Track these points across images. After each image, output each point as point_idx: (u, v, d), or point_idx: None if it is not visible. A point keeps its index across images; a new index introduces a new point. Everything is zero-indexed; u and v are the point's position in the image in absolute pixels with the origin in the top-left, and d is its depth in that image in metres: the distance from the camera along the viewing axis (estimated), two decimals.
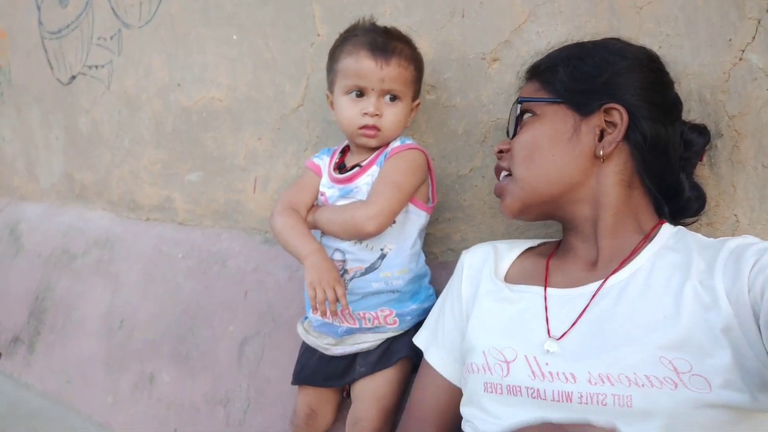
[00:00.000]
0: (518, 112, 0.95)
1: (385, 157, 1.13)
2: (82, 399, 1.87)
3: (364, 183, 1.12)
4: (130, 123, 2.02)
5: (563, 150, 0.88)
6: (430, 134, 1.32)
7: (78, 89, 2.22)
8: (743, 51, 0.95)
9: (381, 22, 1.32)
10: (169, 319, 1.72)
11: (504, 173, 0.98)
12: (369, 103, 1.09)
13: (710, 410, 0.68)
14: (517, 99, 0.96)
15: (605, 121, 0.87)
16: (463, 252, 1.04)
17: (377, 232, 1.07)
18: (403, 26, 1.31)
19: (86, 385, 1.87)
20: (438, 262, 1.31)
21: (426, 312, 1.15)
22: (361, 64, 1.08)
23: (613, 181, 0.88)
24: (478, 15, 1.22)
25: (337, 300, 1.02)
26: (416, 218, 1.14)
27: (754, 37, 0.94)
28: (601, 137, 0.87)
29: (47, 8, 2.32)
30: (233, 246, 1.71)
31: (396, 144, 1.14)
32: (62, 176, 2.38)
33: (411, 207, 1.13)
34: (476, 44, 1.23)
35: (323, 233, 1.17)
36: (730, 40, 0.96)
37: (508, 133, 1.01)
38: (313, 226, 1.15)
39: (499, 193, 0.98)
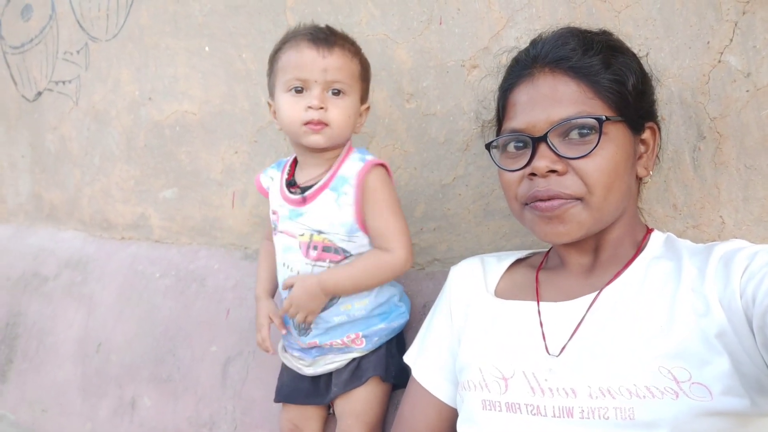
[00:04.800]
0: (598, 129, 0.78)
1: (344, 180, 1.05)
2: (58, 428, 1.79)
3: (315, 210, 1.07)
4: (99, 139, 1.96)
5: (630, 175, 0.83)
6: (411, 143, 1.30)
7: (44, 105, 2.15)
8: (722, 53, 0.96)
9: (357, 30, 1.30)
10: (148, 340, 1.67)
11: (563, 198, 0.80)
12: (312, 96, 1.02)
13: (712, 418, 0.68)
14: (602, 117, 0.78)
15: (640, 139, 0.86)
16: (452, 268, 1.02)
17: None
18: (379, 34, 1.29)
19: (63, 414, 1.80)
20: (424, 273, 1.29)
21: (395, 331, 1.15)
22: (302, 55, 1.02)
23: (636, 199, 0.88)
24: (456, 22, 1.20)
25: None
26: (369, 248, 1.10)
27: (731, 39, 0.95)
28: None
29: (8, 22, 2.24)
30: (212, 263, 1.67)
31: (356, 161, 1.07)
32: (30, 196, 2.30)
33: (366, 240, 1.08)
34: (455, 51, 1.21)
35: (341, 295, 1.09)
36: (708, 42, 0.97)
37: (549, 146, 0.80)
38: (332, 292, 1.07)
39: (559, 216, 0.80)
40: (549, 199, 0.80)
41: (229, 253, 1.65)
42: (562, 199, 0.79)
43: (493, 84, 1.16)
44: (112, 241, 1.98)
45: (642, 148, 0.86)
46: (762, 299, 0.67)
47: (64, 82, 2.06)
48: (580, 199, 0.79)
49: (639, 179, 0.88)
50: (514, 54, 0.93)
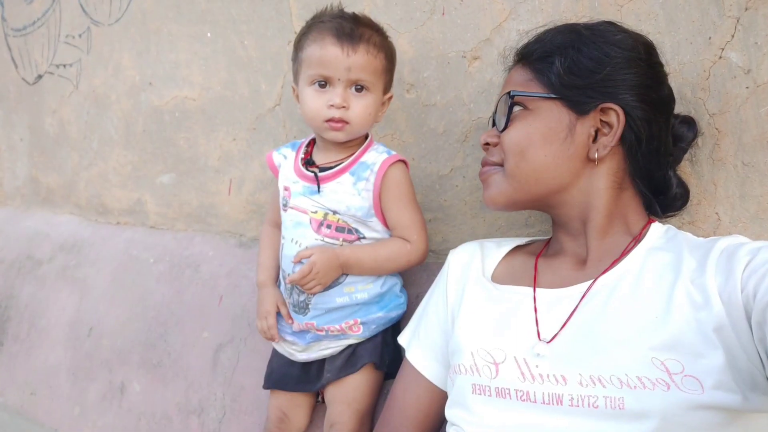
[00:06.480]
0: (509, 103, 0.88)
1: (366, 166, 1.07)
2: (47, 411, 1.78)
3: (332, 191, 1.07)
4: (98, 123, 1.96)
5: (557, 150, 0.84)
6: (410, 133, 1.30)
7: (44, 89, 2.14)
8: (723, 49, 0.96)
9: None
10: (140, 325, 1.66)
11: (489, 165, 0.93)
12: (335, 95, 1.02)
13: (702, 411, 0.67)
14: (509, 92, 0.88)
15: (600, 121, 0.84)
16: (450, 252, 1.02)
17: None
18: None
19: (52, 397, 1.79)
20: None
21: (392, 321, 1.15)
22: (327, 52, 1.01)
23: (604, 184, 0.86)
24: (458, 13, 1.20)
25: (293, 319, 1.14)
26: (383, 236, 1.11)
27: (733, 35, 0.95)
28: (595, 138, 0.84)
29: (11, 4, 2.23)
30: (206, 250, 1.66)
31: (381, 153, 1.09)
32: (27, 179, 2.29)
33: (380, 226, 1.10)
34: (456, 42, 1.21)
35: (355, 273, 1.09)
36: (710, 38, 0.96)
37: (494, 123, 0.94)
38: (349, 268, 1.08)
39: (485, 180, 0.93)
40: (483, 165, 0.94)
41: (224, 240, 1.64)
42: (489, 165, 0.92)
43: (493, 75, 1.17)
44: (108, 225, 1.97)
45: (606, 129, 0.84)
46: (763, 295, 0.66)
47: (65, 66, 2.06)
48: (501, 165, 0.89)
49: (596, 163, 0.85)
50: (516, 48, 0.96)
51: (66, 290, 1.92)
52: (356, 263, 1.06)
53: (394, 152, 1.11)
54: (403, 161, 1.10)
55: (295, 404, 1.19)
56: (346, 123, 1.04)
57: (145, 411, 1.56)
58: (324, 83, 1.03)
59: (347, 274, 1.08)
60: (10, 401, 1.91)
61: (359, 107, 1.04)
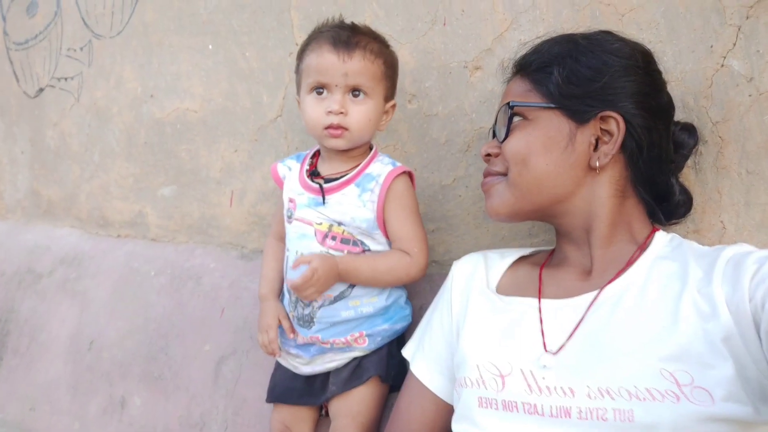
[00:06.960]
0: (509, 114, 0.89)
1: (371, 178, 1.07)
2: (47, 427, 1.77)
3: (337, 202, 1.07)
4: (99, 136, 1.96)
5: (558, 159, 0.84)
6: (412, 144, 1.30)
7: (46, 102, 2.14)
8: (725, 57, 0.96)
9: None
10: (141, 338, 1.65)
11: (492, 175, 0.93)
12: (333, 101, 1.02)
13: (713, 423, 0.66)
14: (509, 103, 0.89)
15: (601, 129, 0.84)
16: (454, 263, 1.02)
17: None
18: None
19: (52, 412, 1.77)
20: None
21: (397, 333, 1.14)
22: (323, 59, 1.02)
23: (606, 192, 0.85)
24: (460, 23, 1.21)
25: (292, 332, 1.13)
26: (388, 249, 1.11)
27: (735, 44, 0.95)
28: (595, 146, 0.84)
29: (13, 18, 2.24)
30: (208, 262, 1.65)
31: (386, 164, 1.09)
32: (28, 192, 2.29)
33: (384, 239, 1.10)
34: (458, 52, 1.21)
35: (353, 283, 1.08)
36: (711, 46, 0.97)
37: (494, 134, 0.95)
38: (346, 277, 1.06)
39: (487, 191, 0.93)
40: (485, 176, 0.94)
41: (226, 252, 1.64)
42: (491, 175, 0.92)
43: (495, 85, 1.17)
44: (109, 238, 1.97)
45: (606, 137, 0.84)
46: None
47: (66, 79, 2.06)
48: (504, 175, 0.90)
49: (598, 171, 0.85)
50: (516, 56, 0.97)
51: (66, 303, 1.91)
52: (354, 272, 1.05)
53: (399, 163, 1.10)
54: (409, 173, 1.10)
55: (298, 418, 1.18)
56: (345, 129, 1.04)
57: (146, 425, 1.54)
58: (322, 90, 1.04)
59: (352, 286, 1.08)
60: (10, 417, 1.89)
61: (358, 113, 1.04)
